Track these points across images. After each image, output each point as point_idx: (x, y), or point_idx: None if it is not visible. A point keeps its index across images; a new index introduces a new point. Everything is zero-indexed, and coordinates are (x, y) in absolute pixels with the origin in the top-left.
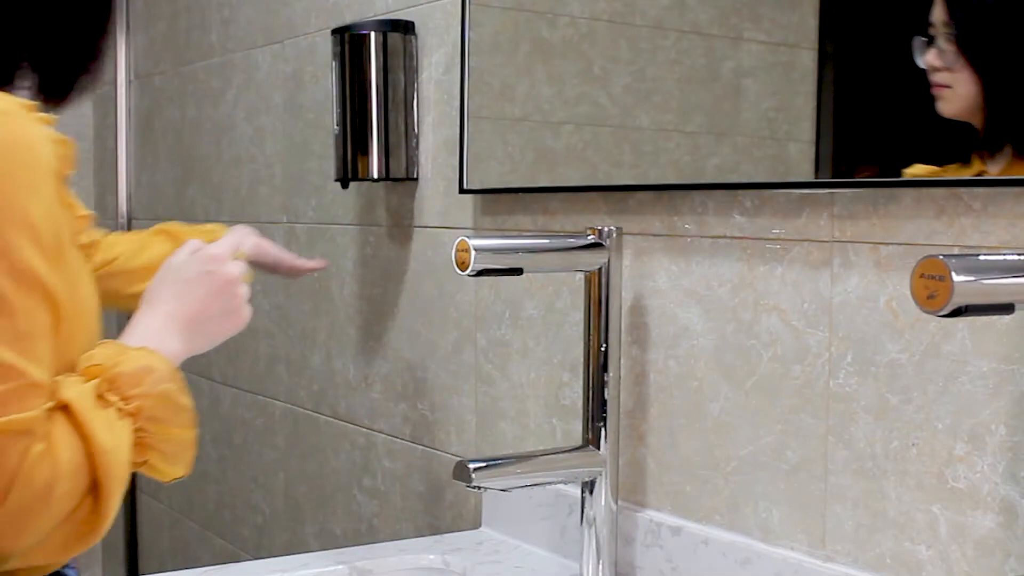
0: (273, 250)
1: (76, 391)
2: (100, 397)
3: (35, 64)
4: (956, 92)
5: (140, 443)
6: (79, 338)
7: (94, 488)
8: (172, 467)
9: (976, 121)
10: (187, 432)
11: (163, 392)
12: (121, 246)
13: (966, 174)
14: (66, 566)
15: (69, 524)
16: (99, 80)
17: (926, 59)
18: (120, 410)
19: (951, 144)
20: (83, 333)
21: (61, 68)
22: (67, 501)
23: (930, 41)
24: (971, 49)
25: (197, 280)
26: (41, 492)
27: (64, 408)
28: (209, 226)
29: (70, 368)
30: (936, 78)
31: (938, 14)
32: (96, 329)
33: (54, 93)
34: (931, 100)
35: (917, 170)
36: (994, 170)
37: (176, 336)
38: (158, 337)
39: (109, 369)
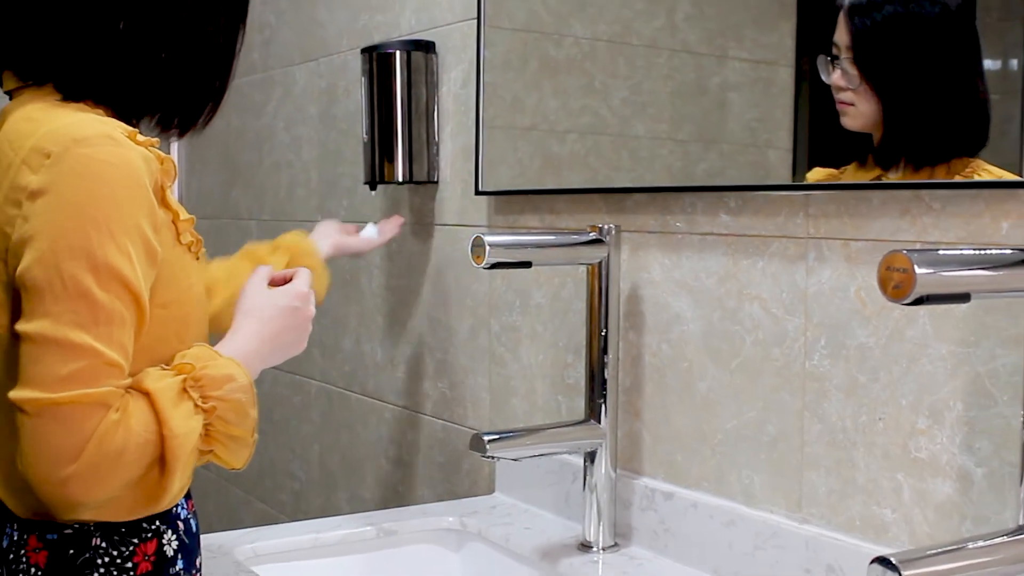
0: (353, 243)
1: (163, 382)
2: (184, 391)
3: (166, 108)
4: (858, 109)
5: (207, 436)
6: (185, 326)
7: (161, 463)
8: (231, 460)
9: (876, 133)
10: (248, 436)
11: (237, 400)
12: (215, 271)
13: (864, 177)
14: (182, 506)
15: (137, 490)
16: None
17: (832, 79)
18: (196, 405)
19: (851, 149)
20: (190, 322)
21: (188, 114)
22: (135, 468)
23: (833, 60)
24: (871, 72)
25: (284, 313)
26: (112, 456)
27: (147, 394)
28: (289, 237)
29: (168, 358)
30: (841, 96)
31: (841, 37)
32: (203, 318)
33: (180, 128)
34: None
35: (817, 174)
36: (893, 176)
37: (258, 356)
38: (245, 353)
39: (198, 369)
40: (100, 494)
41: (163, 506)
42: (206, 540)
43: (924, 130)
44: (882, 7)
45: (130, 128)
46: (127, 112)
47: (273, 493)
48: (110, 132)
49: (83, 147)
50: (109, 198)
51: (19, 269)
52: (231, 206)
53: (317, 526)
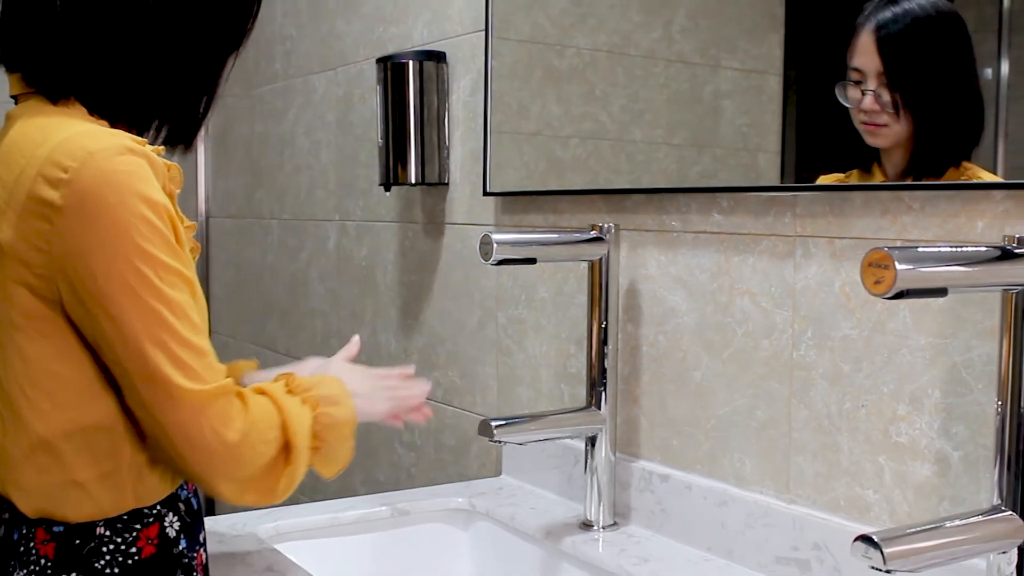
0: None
1: (272, 385)
2: (289, 391)
3: (168, 121)
4: (892, 130)
5: (314, 435)
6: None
7: (287, 450)
8: (328, 462)
9: (903, 148)
10: (345, 452)
11: (329, 396)
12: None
13: (870, 180)
14: (182, 487)
15: (261, 480)
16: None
17: (864, 104)
18: (303, 400)
19: (856, 157)
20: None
21: (186, 124)
22: (266, 450)
23: (857, 84)
24: (908, 97)
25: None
26: (237, 440)
27: (262, 392)
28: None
29: None
30: (874, 119)
31: (868, 62)
32: (205, 321)
33: (180, 142)
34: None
35: (826, 179)
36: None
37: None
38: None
39: (307, 390)
40: (241, 472)
41: (280, 497)
42: (231, 519)
43: (943, 141)
44: (907, 33)
45: (139, 138)
46: (137, 125)
47: None
48: (123, 142)
49: (100, 159)
50: (135, 204)
51: (82, 292)
52: (255, 206)
53: (335, 506)
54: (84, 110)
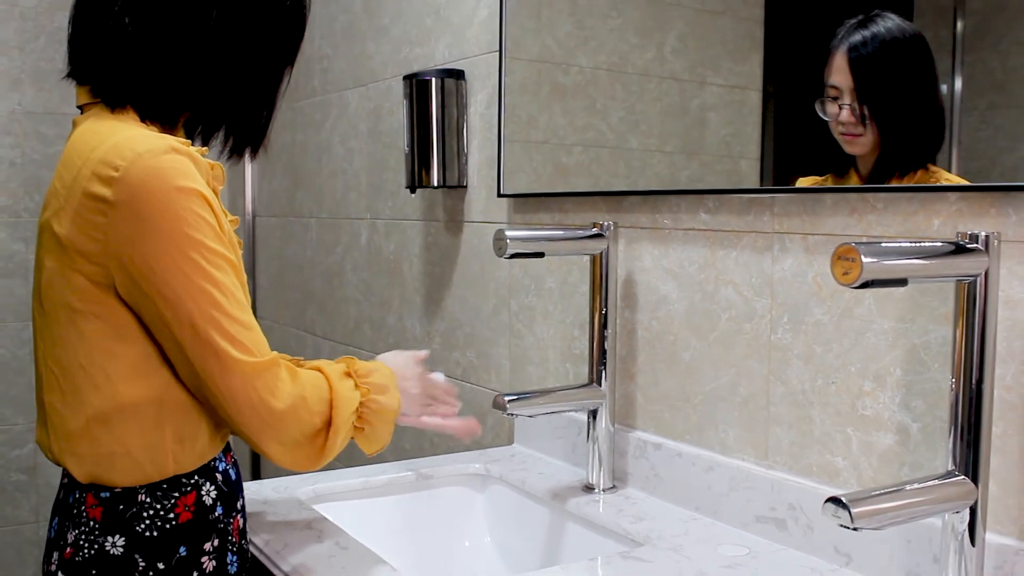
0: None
1: (332, 366)
2: (347, 373)
3: (233, 131)
4: (865, 139)
5: (359, 416)
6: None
7: (328, 425)
8: (371, 441)
9: (872, 154)
10: (386, 435)
11: (382, 385)
12: None
13: (846, 183)
14: (220, 460)
15: (310, 446)
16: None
17: (841, 117)
18: (356, 384)
19: (833, 163)
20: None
21: (250, 134)
22: (306, 420)
23: (835, 100)
24: (875, 110)
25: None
26: (284, 408)
27: (319, 369)
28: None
29: None
30: (850, 130)
31: (842, 80)
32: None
33: (246, 149)
34: (817, 130)
35: (804, 181)
36: (872, 183)
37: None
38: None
39: (364, 376)
40: (286, 436)
41: (321, 464)
42: (274, 483)
43: (907, 148)
44: (876, 51)
45: (184, 140)
46: (189, 133)
47: None
48: (168, 142)
49: (147, 158)
50: (180, 196)
51: (137, 278)
52: (295, 206)
53: (366, 471)
54: (136, 116)
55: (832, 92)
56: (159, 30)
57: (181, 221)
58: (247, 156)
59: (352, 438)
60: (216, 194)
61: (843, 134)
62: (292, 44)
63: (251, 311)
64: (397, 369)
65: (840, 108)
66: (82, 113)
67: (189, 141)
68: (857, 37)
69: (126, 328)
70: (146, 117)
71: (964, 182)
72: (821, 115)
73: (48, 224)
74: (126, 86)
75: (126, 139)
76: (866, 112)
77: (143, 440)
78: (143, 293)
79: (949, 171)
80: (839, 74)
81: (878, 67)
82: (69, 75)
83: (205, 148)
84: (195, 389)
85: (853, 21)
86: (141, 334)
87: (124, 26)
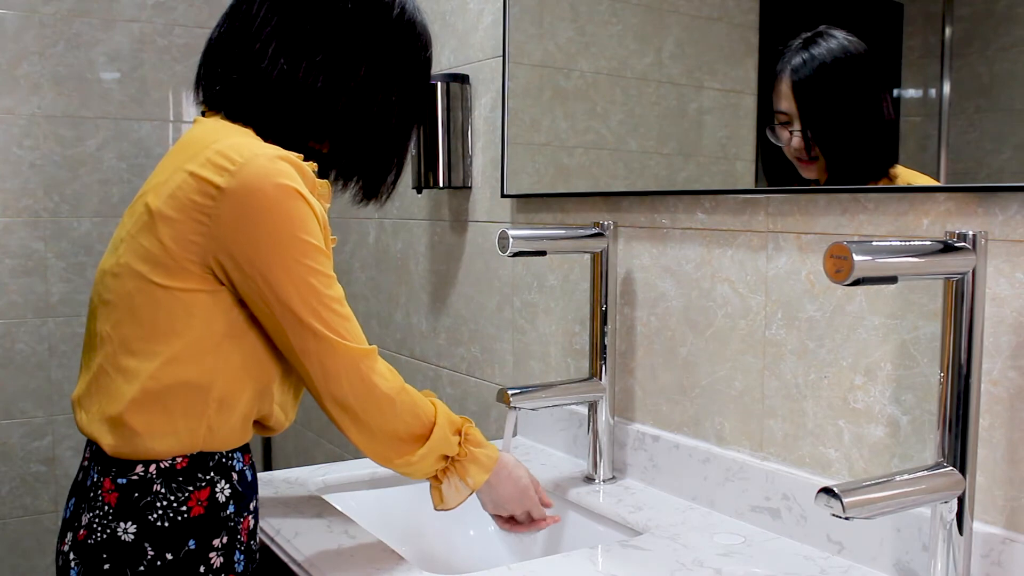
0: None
1: (449, 414)
2: (458, 431)
3: (364, 179)
4: (816, 165)
5: (447, 468)
6: None
7: (424, 440)
8: (445, 497)
9: (823, 176)
10: (465, 493)
11: (465, 475)
12: None
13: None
14: (238, 460)
15: (394, 443)
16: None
17: (792, 143)
18: (460, 442)
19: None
20: None
21: (378, 183)
22: (404, 419)
23: (785, 126)
24: (821, 139)
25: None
26: (386, 393)
27: (430, 396)
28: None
29: None
30: (801, 155)
31: (788, 106)
32: None
33: (373, 197)
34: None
35: None
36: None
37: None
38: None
39: (473, 442)
40: (377, 422)
41: (397, 465)
42: (285, 474)
43: (857, 166)
44: (815, 77)
45: (298, 154)
46: (322, 172)
47: (339, 436)
48: (281, 152)
49: (263, 159)
50: (288, 196)
51: (243, 263)
52: None
53: (375, 463)
54: (253, 132)
55: (781, 118)
56: (308, 78)
57: (287, 218)
58: (372, 203)
59: (430, 482)
60: (324, 210)
61: (797, 159)
62: (422, 102)
63: (347, 305)
64: (512, 465)
65: (791, 135)
66: (204, 115)
67: (302, 155)
68: (797, 60)
69: (198, 307)
70: (267, 137)
71: (933, 182)
72: (773, 141)
73: (142, 200)
74: (254, 118)
75: (246, 142)
76: (810, 137)
77: (185, 422)
78: (245, 276)
79: (936, 174)
80: (785, 100)
81: (817, 91)
82: (202, 102)
83: (315, 164)
84: (296, 365)
85: (797, 42)
86: (213, 315)
87: (272, 71)
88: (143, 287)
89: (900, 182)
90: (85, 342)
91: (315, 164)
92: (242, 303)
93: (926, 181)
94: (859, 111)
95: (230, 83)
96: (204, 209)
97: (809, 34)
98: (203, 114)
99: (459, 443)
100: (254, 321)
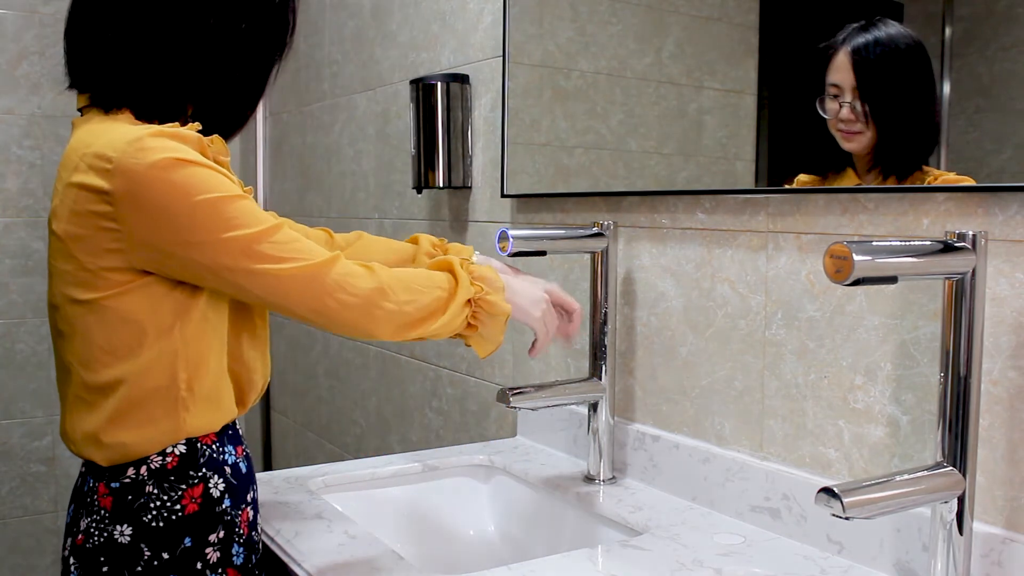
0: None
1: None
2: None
3: (222, 119)
4: (864, 136)
5: (474, 314)
6: None
7: (450, 297)
8: (483, 347)
9: (868, 153)
10: (498, 332)
11: (496, 314)
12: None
13: (844, 182)
14: (230, 453)
15: (414, 324)
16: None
17: (842, 114)
18: (471, 283)
19: (831, 161)
20: None
21: (234, 121)
22: (404, 299)
23: (836, 98)
24: (875, 107)
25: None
26: (367, 293)
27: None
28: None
29: None
30: (850, 127)
31: (844, 78)
32: None
33: (229, 133)
34: (815, 131)
35: (803, 178)
36: (868, 180)
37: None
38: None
39: (489, 283)
40: (386, 313)
41: (435, 332)
42: (285, 474)
43: (905, 148)
44: (879, 53)
45: (172, 124)
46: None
47: (339, 436)
48: (149, 129)
49: (135, 145)
50: (172, 168)
51: (166, 250)
52: (306, 206)
53: (374, 463)
54: (131, 116)
55: (833, 90)
56: (158, 35)
57: (176, 190)
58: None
59: (464, 337)
60: (224, 164)
61: (841, 131)
62: (282, 38)
63: (288, 228)
64: (500, 270)
65: (840, 106)
66: (81, 115)
67: (177, 123)
68: (860, 39)
69: (141, 307)
70: (142, 117)
71: (961, 181)
72: (821, 112)
73: (49, 228)
74: (124, 91)
75: (117, 135)
76: (867, 110)
77: (157, 388)
78: (177, 259)
79: (943, 171)
80: (841, 72)
81: (881, 68)
82: (71, 86)
83: (197, 124)
84: (283, 312)
85: (856, 25)
86: (151, 303)
87: (122, 34)
88: (82, 311)
89: (930, 180)
90: (57, 376)
91: (197, 124)
92: (180, 282)
93: (953, 179)
94: (915, 93)
95: (95, 67)
96: (107, 216)
97: (865, 21)
98: (80, 112)
99: (470, 281)
100: (195, 292)
